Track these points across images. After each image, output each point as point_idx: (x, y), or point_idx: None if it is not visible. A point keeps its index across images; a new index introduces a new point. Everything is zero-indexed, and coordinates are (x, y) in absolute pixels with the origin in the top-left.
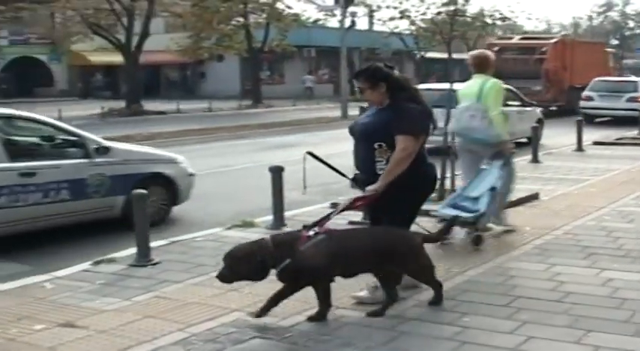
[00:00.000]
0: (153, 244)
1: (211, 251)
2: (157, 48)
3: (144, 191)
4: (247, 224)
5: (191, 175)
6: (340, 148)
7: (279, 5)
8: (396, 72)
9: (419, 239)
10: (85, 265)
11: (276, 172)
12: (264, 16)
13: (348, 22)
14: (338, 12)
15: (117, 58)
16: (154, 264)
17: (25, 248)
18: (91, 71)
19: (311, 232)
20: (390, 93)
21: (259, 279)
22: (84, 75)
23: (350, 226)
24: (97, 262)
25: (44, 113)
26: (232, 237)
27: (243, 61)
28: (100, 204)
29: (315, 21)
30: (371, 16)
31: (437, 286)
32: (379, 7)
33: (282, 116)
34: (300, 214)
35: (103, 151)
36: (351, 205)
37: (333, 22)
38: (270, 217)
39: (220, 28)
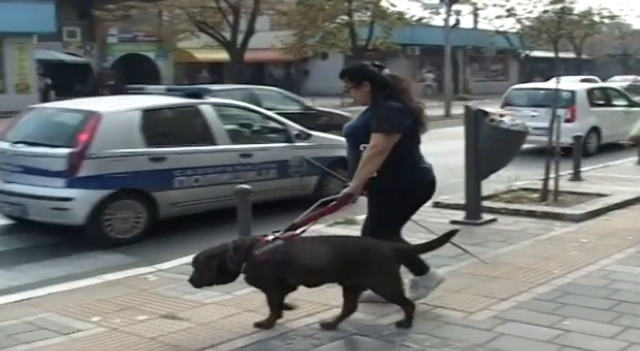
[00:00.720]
0: None
1: None
2: (261, 46)
3: (247, 187)
4: (349, 222)
5: None
6: (443, 147)
7: (384, 3)
8: (386, 70)
9: (390, 251)
10: (188, 258)
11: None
12: (369, 14)
13: (452, 21)
14: (442, 10)
15: (222, 56)
16: None
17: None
18: (196, 68)
19: (270, 237)
20: (373, 92)
21: (225, 282)
22: (189, 72)
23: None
24: None
25: None
26: (334, 234)
27: (347, 59)
28: (298, 183)
29: (420, 19)
30: (476, 15)
31: (407, 306)
32: (485, 5)
33: None
34: None
35: (305, 136)
36: (328, 211)
37: (438, 21)
38: None
39: (325, 26)
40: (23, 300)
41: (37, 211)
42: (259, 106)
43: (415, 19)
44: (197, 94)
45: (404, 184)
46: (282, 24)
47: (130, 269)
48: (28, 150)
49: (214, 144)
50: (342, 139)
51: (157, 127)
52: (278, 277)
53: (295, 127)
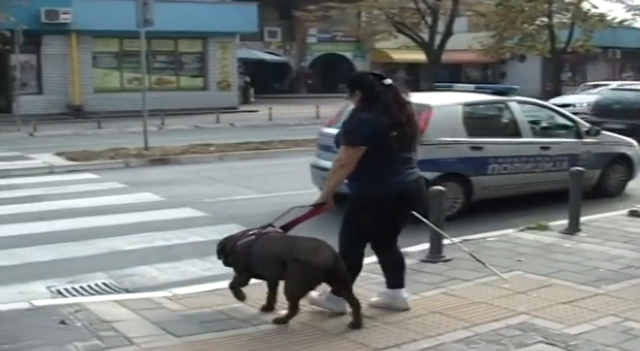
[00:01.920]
0: (445, 241)
1: (503, 252)
2: (459, 47)
3: (441, 188)
4: (541, 227)
5: None
6: None
7: (585, 5)
8: (387, 81)
9: (308, 256)
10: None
11: (577, 175)
12: (569, 15)
13: None
14: None
15: (419, 56)
16: (445, 261)
17: None
18: (393, 68)
19: (250, 232)
20: (361, 102)
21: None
22: (386, 72)
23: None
24: None
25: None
26: (525, 239)
27: (545, 62)
28: (584, 175)
29: (622, 21)
30: None
31: (291, 312)
32: None
33: None
34: (595, 220)
35: (594, 133)
36: (304, 217)
37: None
38: (565, 221)
39: (524, 27)
40: (216, 290)
41: None
42: None
43: (617, 21)
44: (504, 92)
45: (369, 194)
46: (479, 25)
47: None
48: None
49: (520, 136)
50: (621, 136)
51: (475, 119)
52: (246, 267)
53: (584, 124)
